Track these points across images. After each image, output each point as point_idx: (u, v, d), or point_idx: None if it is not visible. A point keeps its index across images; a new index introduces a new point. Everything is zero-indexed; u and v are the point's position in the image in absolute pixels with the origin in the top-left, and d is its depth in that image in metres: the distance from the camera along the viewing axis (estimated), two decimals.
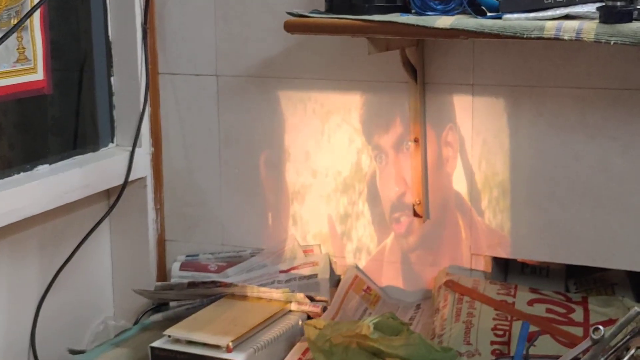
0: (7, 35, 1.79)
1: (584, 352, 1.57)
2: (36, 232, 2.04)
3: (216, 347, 1.77)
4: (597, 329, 1.56)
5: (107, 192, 2.21)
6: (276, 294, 1.97)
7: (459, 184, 2.02)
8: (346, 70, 2.07)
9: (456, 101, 2.00)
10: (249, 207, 2.22)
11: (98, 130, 2.21)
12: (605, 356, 1.55)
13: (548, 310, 1.87)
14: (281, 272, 2.11)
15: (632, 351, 1.54)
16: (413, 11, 1.74)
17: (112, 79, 2.22)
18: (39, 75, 2.02)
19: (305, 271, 2.11)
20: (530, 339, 1.74)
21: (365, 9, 1.76)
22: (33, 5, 1.95)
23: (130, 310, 2.26)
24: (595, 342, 1.56)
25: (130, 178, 2.19)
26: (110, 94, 2.22)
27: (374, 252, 2.12)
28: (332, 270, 2.12)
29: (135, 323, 2.19)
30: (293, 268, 2.11)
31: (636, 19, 1.56)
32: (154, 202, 2.27)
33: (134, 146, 2.20)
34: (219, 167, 2.23)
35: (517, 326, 1.80)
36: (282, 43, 2.08)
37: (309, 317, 1.92)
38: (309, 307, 1.96)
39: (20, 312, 2.03)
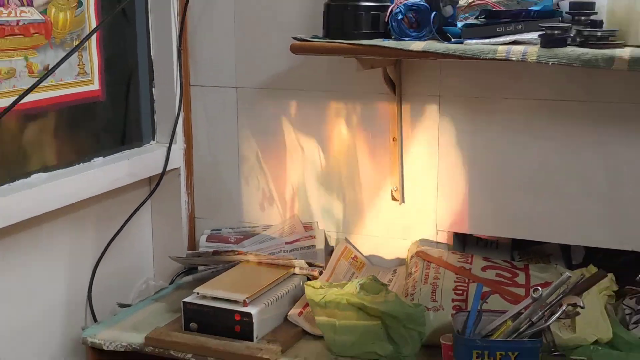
0: (70, 54, 1.79)
1: (526, 307, 1.58)
2: (92, 210, 2.05)
3: (235, 302, 1.78)
4: (536, 289, 1.57)
5: (149, 180, 2.22)
6: (282, 260, 1.98)
7: (428, 174, 2.02)
8: (339, 84, 2.06)
9: (426, 109, 2.00)
10: (262, 191, 2.22)
11: (142, 130, 2.21)
12: (543, 311, 1.56)
13: (497, 275, 1.87)
14: (286, 243, 2.11)
15: (564, 307, 1.55)
16: (393, 37, 1.75)
17: (153, 89, 2.22)
18: (95, 85, 2.02)
19: (306, 243, 2.11)
20: (484, 297, 1.75)
21: (355, 35, 1.76)
22: (91, 30, 1.96)
23: (167, 273, 2.26)
24: (534, 300, 1.57)
25: (167, 168, 2.20)
26: (152, 101, 2.22)
27: (360, 228, 2.13)
28: (326, 242, 2.13)
29: (171, 283, 2.19)
30: (296, 240, 2.11)
31: (569, 44, 1.57)
32: (185, 187, 2.27)
33: (171, 143, 2.20)
34: (237, 159, 2.22)
35: (473, 287, 1.81)
36: (289, 62, 2.08)
37: (308, 279, 1.92)
38: (308, 271, 1.96)
39: (80, 273, 2.04)
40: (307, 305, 1.82)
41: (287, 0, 2.07)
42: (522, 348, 1.52)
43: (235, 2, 2.14)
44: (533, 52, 1.55)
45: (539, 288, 1.58)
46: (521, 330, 1.55)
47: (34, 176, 1.85)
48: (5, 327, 1.82)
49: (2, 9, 1.71)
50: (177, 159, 2.23)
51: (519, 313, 1.57)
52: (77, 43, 1.91)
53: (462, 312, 1.66)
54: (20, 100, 1.62)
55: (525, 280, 1.85)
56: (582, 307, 1.57)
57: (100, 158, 2.05)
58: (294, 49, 1.79)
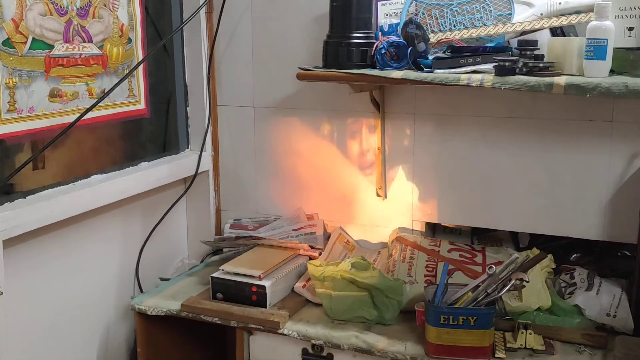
0: (122, 81, 1.79)
1: (483, 282, 1.58)
2: (140, 204, 2.05)
3: (252, 276, 1.78)
4: (491, 267, 1.58)
5: (184, 180, 2.21)
6: (290, 243, 1.98)
7: (406, 175, 2.02)
8: (335, 104, 2.06)
9: (404, 124, 1.99)
10: (273, 189, 2.21)
11: (179, 140, 2.20)
12: (496, 284, 1.56)
13: (460, 255, 1.87)
14: (293, 230, 2.09)
15: (513, 281, 1.55)
16: (377, 67, 1.75)
17: (187, 108, 2.21)
18: (141, 105, 2.02)
19: (308, 230, 2.09)
20: (449, 273, 1.75)
21: (348, 65, 1.76)
22: (138, 61, 1.96)
23: (198, 253, 2.25)
24: (489, 275, 1.57)
25: (199, 171, 2.19)
26: (187, 118, 2.21)
27: (351, 218, 2.12)
28: (325, 230, 2.12)
29: (201, 261, 2.19)
30: (300, 228, 2.10)
31: (518, 73, 1.57)
32: (213, 186, 2.26)
33: (201, 151, 2.19)
34: (254, 163, 2.22)
35: (440, 265, 1.81)
36: (295, 86, 2.07)
37: (310, 259, 1.92)
38: (310, 253, 1.96)
39: (129, 254, 2.04)
40: (309, 279, 1.82)
41: (294, 38, 2.06)
42: (479, 314, 1.52)
43: (253, 39, 2.13)
44: (489, 79, 1.55)
45: (493, 266, 1.58)
46: (479, 299, 1.55)
47: (93, 177, 1.85)
48: (73, 295, 1.82)
49: (67, 44, 1.71)
50: (207, 163, 2.23)
51: (477, 286, 1.57)
52: (127, 72, 1.92)
53: (432, 285, 1.66)
54: (82, 117, 1.62)
55: (482, 260, 1.85)
56: (527, 281, 1.57)
57: (146, 162, 2.05)
58: (300, 77, 1.79)
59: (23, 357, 1.67)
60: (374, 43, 1.75)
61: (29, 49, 1.60)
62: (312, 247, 1.98)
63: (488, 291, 1.55)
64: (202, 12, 2.12)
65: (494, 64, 1.59)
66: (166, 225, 2.16)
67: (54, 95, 1.68)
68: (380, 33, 1.81)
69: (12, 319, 1.60)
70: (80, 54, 1.76)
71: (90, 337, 1.90)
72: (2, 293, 1.43)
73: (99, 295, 1.92)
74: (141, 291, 2.04)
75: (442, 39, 1.77)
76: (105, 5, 1.83)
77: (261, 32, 2.12)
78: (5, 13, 1.53)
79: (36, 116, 1.63)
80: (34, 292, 1.69)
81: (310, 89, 2.06)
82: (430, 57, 1.70)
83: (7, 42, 1.54)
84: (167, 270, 2.19)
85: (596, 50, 1.52)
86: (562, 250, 1.90)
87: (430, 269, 1.82)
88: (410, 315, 1.71)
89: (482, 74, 1.59)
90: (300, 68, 1.81)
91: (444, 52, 1.74)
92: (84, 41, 1.76)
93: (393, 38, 1.74)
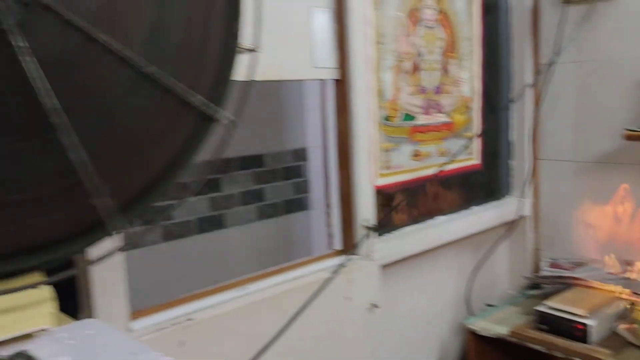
0: (468, 144, 1.84)
1: None
2: (470, 241, 2.05)
3: (577, 314, 1.66)
4: None
5: (506, 223, 2.16)
6: (611, 287, 1.81)
7: None
8: None
9: None
10: (589, 234, 2.04)
11: (501, 188, 2.18)
12: None
13: None
14: (608, 273, 1.91)
15: None
16: None
17: (510, 162, 2.18)
18: (476, 160, 2.05)
19: (624, 275, 1.89)
20: None
21: None
22: (475, 124, 1.99)
23: (516, 285, 2.18)
24: None
25: (519, 215, 2.13)
26: (509, 169, 2.18)
27: None
28: None
29: (520, 293, 2.11)
30: (616, 272, 1.90)
31: None
32: (532, 229, 2.18)
33: (522, 197, 2.14)
34: (571, 212, 2.07)
35: None
36: (616, 143, 1.89)
37: (632, 304, 1.73)
38: (633, 298, 1.76)
39: (461, 281, 2.05)
40: (633, 322, 1.65)
41: (615, 100, 1.90)
42: None
43: (576, 103, 2.02)
44: None
45: None
46: None
47: (437, 218, 1.91)
48: (419, 311, 1.90)
49: (426, 115, 1.82)
50: (526, 209, 2.15)
51: None
52: (465, 134, 1.96)
53: None
54: (439, 171, 1.70)
55: None
56: None
57: (475, 207, 2.05)
58: (628, 137, 1.66)
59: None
60: None
61: (401, 121, 1.75)
62: (635, 293, 1.78)
63: None
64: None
65: None
66: (490, 259, 2.14)
67: (414, 155, 1.80)
68: None
69: (381, 327, 1.73)
70: (435, 123, 1.86)
71: (430, 347, 1.96)
72: (379, 307, 1.56)
73: (437, 313, 1.97)
74: (470, 313, 2.04)
75: None
76: (453, 84, 1.91)
77: (584, 96, 2.00)
78: (385, 95, 1.70)
79: (402, 171, 1.77)
80: (394, 307, 1.80)
81: (632, 146, 1.86)
82: None
83: (386, 117, 1.71)
84: (490, 297, 2.15)
85: None
86: None
87: None
88: None
89: None
90: (626, 129, 1.66)
91: None
92: (437, 112, 1.86)
93: None
